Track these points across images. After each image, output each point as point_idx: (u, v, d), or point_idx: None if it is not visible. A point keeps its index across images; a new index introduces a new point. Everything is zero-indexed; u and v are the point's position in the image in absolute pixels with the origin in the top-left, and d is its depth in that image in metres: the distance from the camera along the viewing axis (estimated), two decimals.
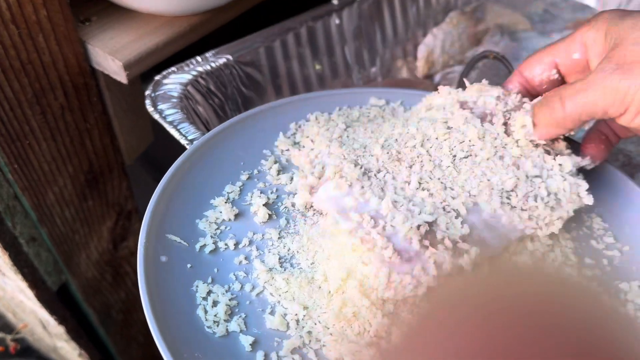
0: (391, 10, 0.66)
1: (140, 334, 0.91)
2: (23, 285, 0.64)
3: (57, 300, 0.70)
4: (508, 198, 0.38)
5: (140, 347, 0.93)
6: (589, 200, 0.38)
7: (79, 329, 0.77)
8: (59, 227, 0.62)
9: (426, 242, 0.34)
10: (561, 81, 0.41)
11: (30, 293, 0.65)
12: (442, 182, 0.38)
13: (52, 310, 0.69)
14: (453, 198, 0.37)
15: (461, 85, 0.59)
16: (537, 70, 0.40)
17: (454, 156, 0.39)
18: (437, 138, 0.41)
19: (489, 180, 0.38)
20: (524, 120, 0.39)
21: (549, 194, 0.38)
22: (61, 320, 0.72)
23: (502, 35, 0.71)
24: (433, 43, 0.67)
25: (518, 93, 0.42)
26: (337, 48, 0.63)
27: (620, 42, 0.35)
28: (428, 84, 0.64)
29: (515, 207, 0.38)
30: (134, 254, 0.77)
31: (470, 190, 0.38)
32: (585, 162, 0.40)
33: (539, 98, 0.39)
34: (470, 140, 0.40)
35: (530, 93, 0.42)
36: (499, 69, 0.60)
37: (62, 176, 0.59)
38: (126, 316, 0.84)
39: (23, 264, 0.61)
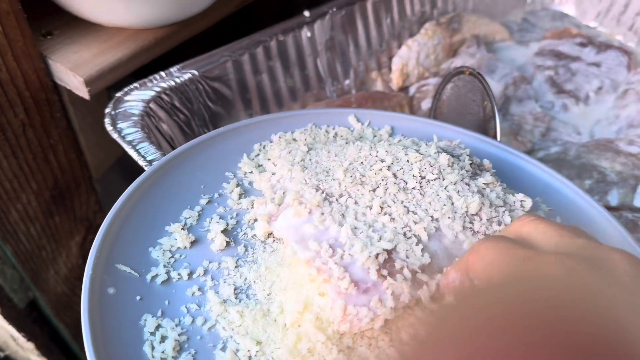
0: (364, 21, 0.64)
1: None
2: None
3: (25, 317, 0.68)
4: (471, 223, 0.37)
5: None
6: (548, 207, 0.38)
7: (50, 344, 0.76)
8: (24, 244, 0.61)
9: (384, 272, 0.33)
10: None
11: None
12: (405, 206, 0.37)
13: (19, 327, 0.68)
14: (415, 223, 0.36)
15: (436, 99, 0.59)
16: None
17: (423, 177, 0.39)
18: (408, 160, 0.40)
19: (452, 203, 0.37)
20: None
21: (512, 221, 0.37)
22: (30, 336, 0.70)
23: (478, 46, 0.70)
24: (408, 55, 0.66)
25: None
26: (309, 61, 0.61)
27: None
28: (402, 96, 0.63)
29: (478, 232, 0.37)
30: None
31: (434, 213, 0.37)
32: None
33: None
34: (440, 165, 0.39)
35: None
36: (473, 84, 0.59)
37: (25, 193, 0.57)
38: None
39: None
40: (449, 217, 0.36)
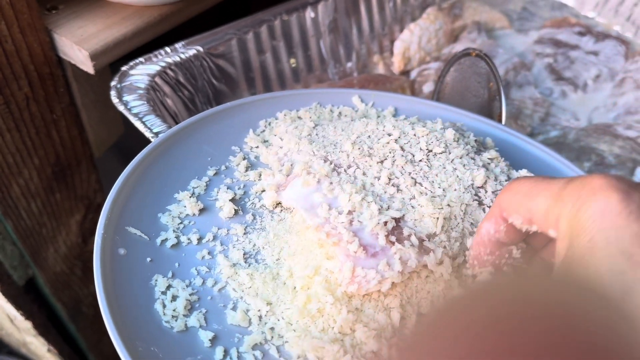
0: (368, 4, 0.65)
1: None
2: None
3: (24, 295, 0.68)
4: (477, 195, 0.37)
5: (112, 345, 0.91)
6: None
7: (47, 324, 0.75)
8: (25, 221, 0.61)
9: (392, 238, 0.34)
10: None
11: None
12: (412, 178, 0.38)
13: (18, 305, 0.67)
14: (422, 194, 0.37)
15: (439, 81, 0.59)
16: (517, 220, 0.30)
17: (430, 151, 0.39)
18: (415, 134, 0.41)
19: (458, 176, 0.38)
20: None
21: None
22: (28, 315, 0.70)
23: (479, 33, 0.71)
24: (409, 39, 0.66)
25: None
26: (312, 42, 0.62)
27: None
28: (404, 80, 0.64)
29: (483, 204, 0.37)
30: None
31: (440, 185, 0.37)
32: None
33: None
34: (446, 140, 0.40)
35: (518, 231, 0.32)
36: (478, 66, 0.59)
37: (27, 168, 0.57)
38: (97, 311, 0.83)
39: None
40: (455, 189, 0.37)
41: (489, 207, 0.37)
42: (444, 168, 0.38)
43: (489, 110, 0.54)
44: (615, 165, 0.55)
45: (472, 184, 0.38)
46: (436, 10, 0.68)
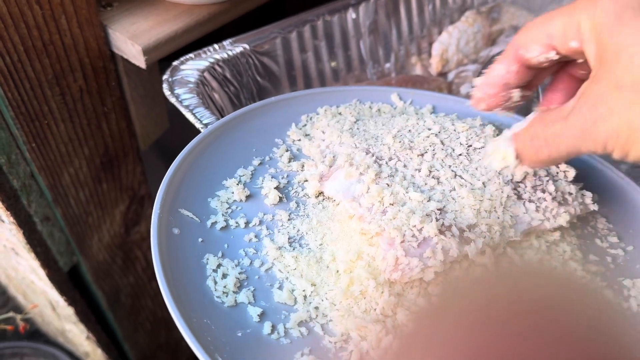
0: (407, 7, 0.66)
1: (148, 321, 0.92)
2: (35, 264, 0.66)
3: (68, 281, 0.71)
4: (516, 189, 0.38)
5: (147, 335, 0.94)
6: (594, 207, 0.40)
7: (87, 311, 0.78)
8: (73, 208, 0.64)
9: (434, 229, 0.35)
10: (560, 63, 0.35)
11: (42, 273, 0.67)
12: (452, 171, 0.39)
13: (62, 291, 0.70)
14: (462, 186, 0.38)
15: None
16: (534, 51, 0.33)
17: (469, 145, 0.40)
18: (455, 130, 0.42)
19: (497, 170, 0.39)
20: (505, 153, 0.37)
21: (556, 190, 0.38)
22: (71, 301, 0.73)
23: None
24: (448, 41, 0.67)
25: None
26: (352, 42, 0.63)
27: (604, 52, 0.29)
28: (441, 81, 0.65)
29: (523, 198, 0.38)
30: (145, 239, 0.78)
31: (480, 178, 0.38)
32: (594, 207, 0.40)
33: (519, 126, 0.36)
34: (486, 135, 0.41)
35: (528, 71, 0.35)
36: None
37: (78, 158, 0.60)
38: (134, 302, 0.85)
39: (36, 243, 0.62)
40: (494, 182, 0.38)
41: (530, 201, 0.38)
42: (485, 164, 0.39)
43: (526, 112, 0.55)
44: None
45: (512, 179, 0.39)
46: (475, 13, 0.69)
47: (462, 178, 0.38)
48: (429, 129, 0.42)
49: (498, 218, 0.37)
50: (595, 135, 0.29)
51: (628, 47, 0.27)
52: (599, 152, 0.29)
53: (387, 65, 0.67)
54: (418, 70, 0.69)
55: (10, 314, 0.81)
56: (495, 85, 0.35)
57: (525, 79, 0.35)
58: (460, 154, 0.40)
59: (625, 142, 0.28)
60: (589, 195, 0.40)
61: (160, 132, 0.68)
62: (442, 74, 0.68)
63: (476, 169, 0.39)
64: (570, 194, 0.39)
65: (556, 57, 0.33)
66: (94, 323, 0.81)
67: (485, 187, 0.38)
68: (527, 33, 0.33)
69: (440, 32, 0.69)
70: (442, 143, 0.41)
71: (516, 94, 0.36)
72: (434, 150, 0.40)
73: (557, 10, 0.31)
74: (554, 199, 0.38)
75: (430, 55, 0.68)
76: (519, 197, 0.38)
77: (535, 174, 0.39)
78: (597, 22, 0.28)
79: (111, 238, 0.72)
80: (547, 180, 0.39)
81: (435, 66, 0.67)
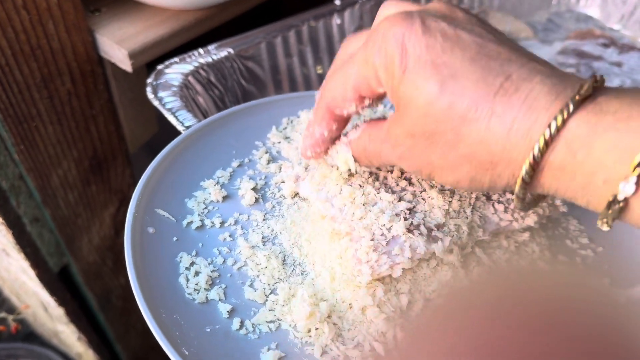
0: None
1: (139, 322, 0.93)
2: (25, 265, 0.67)
3: (58, 282, 0.72)
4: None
5: (139, 336, 0.95)
6: (563, 208, 0.40)
7: (78, 312, 0.79)
8: (62, 210, 0.65)
9: (403, 228, 0.36)
10: None
11: (32, 273, 0.68)
12: None
13: (52, 291, 0.71)
14: (431, 187, 0.39)
15: None
16: (351, 107, 0.34)
17: None
18: None
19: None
20: (345, 157, 0.38)
21: None
22: (61, 302, 0.74)
23: None
24: None
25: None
26: (337, 47, 0.64)
27: (404, 108, 0.30)
28: None
29: (492, 199, 0.39)
30: None
31: None
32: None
33: (353, 133, 0.37)
34: None
35: (346, 119, 0.37)
36: None
37: (66, 160, 0.61)
38: (125, 303, 0.86)
39: (26, 244, 0.63)
40: None
41: (498, 202, 0.39)
42: None
43: None
44: None
45: None
46: None
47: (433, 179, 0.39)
48: None
49: (467, 218, 0.38)
50: (405, 166, 0.32)
51: (412, 100, 0.28)
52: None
53: None
54: None
55: (3, 315, 0.82)
56: (321, 143, 0.37)
57: (345, 125, 0.37)
58: None
59: (428, 175, 0.31)
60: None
61: (149, 135, 0.69)
62: None
63: None
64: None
65: (369, 101, 0.34)
66: (85, 324, 0.82)
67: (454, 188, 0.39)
68: (334, 91, 0.33)
69: None
70: None
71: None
72: None
73: (351, 61, 0.32)
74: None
75: None
76: (488, 198, 0.39)
77: None
78: (389, 71, 0.29)
79: (101, 240, 0.73)
80: None
81: None
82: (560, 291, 0.22)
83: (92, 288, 0.77)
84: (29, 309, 0.89)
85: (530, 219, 0.39)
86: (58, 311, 0.76)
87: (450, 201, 0.38)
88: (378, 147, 0.33)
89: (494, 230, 0.39)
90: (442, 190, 0.38)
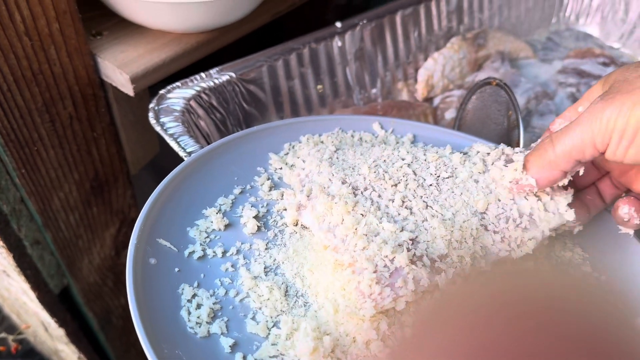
0: (393, 34, 0.68)
1: (139, 342, 0.92)
2: (26, 286, 0.66)
3: (59, 303, 0.72)
4: (482, 220, 0.39)
5: (139, 355, 0.94)
6: (569, 215, 0.39)
7: (78, 332, 0.79)
8: (63, 232, 0.64)
9: (406, 259, 0.36)
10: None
11: (32, 295, 0.67)
12: (424, 201, 0.40)
13: (52, 313, 0.71)
14: (433, 216, 0.39)
15: (461, 108, 0.61)
16: (557, 124, 0.41)
17: (438, 176, 0.41)
18: (425, 159, 0.43)
19: (465, 201, 0.40)
20: (515, 164, 0.39)
21: (520, 215, 0.39)
22: (61, 322, 0.74)
23: (502, 62, 0.73)
24: (433, 67, 0.68)
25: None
26: (338, 69, 0.65)
27: (612, 84, 0.35)
28: (427, 106, 0.66)
29: (488, 229, 0.39)
30: None
31: (449, 208, 0.39)
32: (569, 217, 0.40)
33: (534, 144, 0.40)
34: (453, 164, 0.42)
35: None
36: (499, 95, 0.61)
37: (67, 182, 0.61)
38: (126, 323, 0.86)
39: (26, 266, 0.63)
40: (462, 214, 0.39)
41: (495, 232, 0.39)
42: (452, 192, 0.40)
43: (508, 138, 0.56)
44: None
45: (476, 210, 0.39)
46: (460, 40, 0.71)
47: (432, 208, 0.39)
48: (403, 159, 0.43)
49: (469, 249, 0.37)
50: (600, 117, 0.34)
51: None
52: (603, 139, 0.34)
53: (374, 90, 0.68)
54: (404, 96, 0.70)
55: (3, 335, 0.81)
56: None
57: None
58: (430, 184, 0.41)
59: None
60: (564, 202, 0.40)
61: (151, 156, 0.69)
62: (428, 100, 0.69)
63: (445, 199, 0.40)
64: (539, 210, 0.39)
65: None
66: (86, 344, 0.81)
67: (454, 217, 0.39)
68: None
69: (426, 58, 0.70)
70: (414, 173, 0.42)
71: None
72: (406, 180, 0.41)
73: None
74: (517, 226, 0.39)
75: (416, 80, 0.69)
76: (485, 229, 0.39)
77: (498, 200, 0.40)
78: (603, 79, 0.37)
79: (102, 260, 0.73)
80: (512, 205, 0.39)
81: (420, 92, 0.68)
82: (550, 291, 0.22)
83: (92, 308, 0.77)
84: (29, 328, 0.89)
85: (527, 247, 0.39)
86: (58, 332, 0.76)
87: (452, 231, 0.38)
88: (573, 123, 0.36)
89: (494, 260, 0.38)
90: (443, 220, 0.38)
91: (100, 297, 0.77)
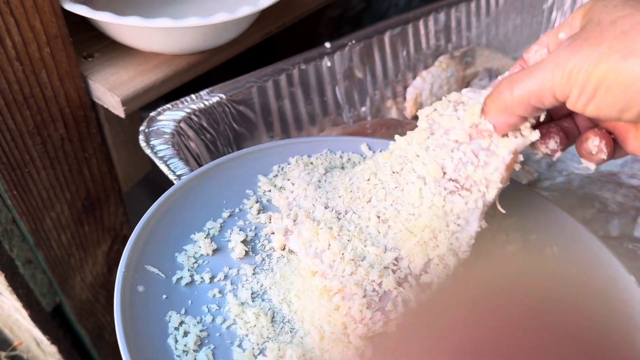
0: (382, 53, 0.68)
1: None
2: (18, 305, 0.67)
3: (51, 321, 0.72)
4: (446, 186, 0.38)
5: None
6: (534, 135, 0.36)
7: (71, 349, 0.79)
8: (55, 251, 0.65)
9: (393, 282, 0.36)
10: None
11: (24, 313, 0.68)
12: (395, 208, 0.39)
13: (45, 330, 0.71)
14: (407, 220, 0.38)
15: None
16: (533, 51, 0.38)
17: (395, 172, 0.40)
18: (385, 162, 0.42)
19: (423, 179, 0.38)
20: (472, 108, 0.37)
21: (477, 155, 0.37)
22: (54, 340, 0.74)
23: (490, 79, 0.74)
24: (421, 86, 0.69)
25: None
26: (328, 88, 0.65)
27: (587, 23, 0.32)
28: (415, 124, 0.67)
29: (454, 191, 0.37)
30: None
31: (415, 200, 0.38)
32: (533, 137, 0.36)
33: (497, 80, 0.37)
34: (403, 151, 0.41)
35: None
36: None
37: (59, 202, 0.62)
38: None
39: (18, 285, 0.63)
40: (426, 198, 0.38)
41: (462, 188, 0.37)
42: (412, 182, 0.39)
43: None
44: (618, 212, 0.57)
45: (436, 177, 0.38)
46: (448, 58, 0.72)
47: (401, 213, 0.38)
48: (369, 169, 0.42)
49: (447, 239, 0.36)
50: (563, 66, 0.32)
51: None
52: (563, 90, 0.32)
53: (363, 109, 0.69)
54: (394, 114, 0.71)
55: None
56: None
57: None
58: (395, 187, 0.40)
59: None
60: (527, 124, 0.36)
61: (143, 174, 0.70)
62: (417, 117, 0.70)
63: (409, 193, 0.39)
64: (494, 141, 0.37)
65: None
66: (78, 359, 0.82)
67: (420, 208, 0.38)
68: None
69: (414, 76, 0.71)
70: (380, 180, 0.41)
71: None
72: (376, 192, 0.40)
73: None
74: (477, 166, 0.37)
75: (405, 99, 0.70)
76: (451, 193, 0.37)
77: (451, 151, 0.38)
78: (587, 4, 0.33)
79: (94, 278, 0.73)
80: (465, 147, 0.37)
81: (409, 110, 0.69)
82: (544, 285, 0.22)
83: (84, 325, 0.77)
84: (22, 344, 0.89)
85: (494, 185, 0.37)
86: (51, 348, 0.76)
87: (422, 231, 0.37)
88: (536, 65, 0.33)
89: (473, 236, 0.37)
90: (413, 225, 0.37)
91: (93, 314, 0.77)
